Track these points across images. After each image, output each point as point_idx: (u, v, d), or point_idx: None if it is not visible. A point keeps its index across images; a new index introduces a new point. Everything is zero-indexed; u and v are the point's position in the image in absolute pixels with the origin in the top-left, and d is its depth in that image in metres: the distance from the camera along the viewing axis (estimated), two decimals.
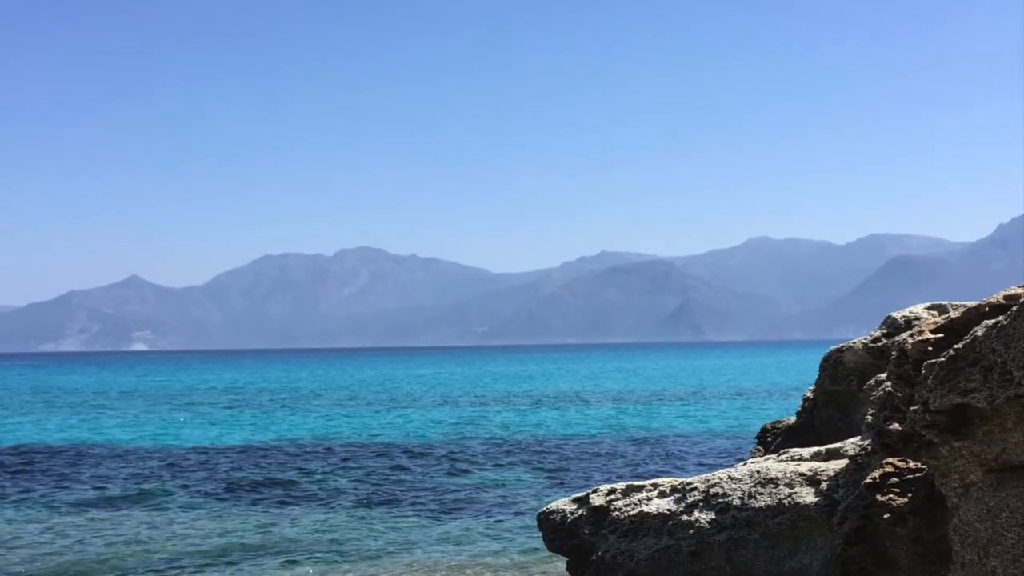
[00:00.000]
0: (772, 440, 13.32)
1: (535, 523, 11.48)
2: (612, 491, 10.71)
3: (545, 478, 29.35)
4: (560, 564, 12.54)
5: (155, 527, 22.08)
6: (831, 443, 10.34)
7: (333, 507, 24.54)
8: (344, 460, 34.42)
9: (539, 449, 37.16)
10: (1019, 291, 7.04)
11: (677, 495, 10.14)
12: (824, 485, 9.26)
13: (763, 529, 9.34)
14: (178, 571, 17.25)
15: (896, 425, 8.10)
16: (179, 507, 24.87)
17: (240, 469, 32.42)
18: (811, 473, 9.47)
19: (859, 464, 9.00)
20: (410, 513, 23.49)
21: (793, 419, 13.28)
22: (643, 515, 10.12)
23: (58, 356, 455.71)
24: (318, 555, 18.63)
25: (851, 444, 9.71)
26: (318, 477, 29.95)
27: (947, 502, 7.08)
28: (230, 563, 18.14)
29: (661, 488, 10.42)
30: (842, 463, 9.40)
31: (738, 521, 9.47)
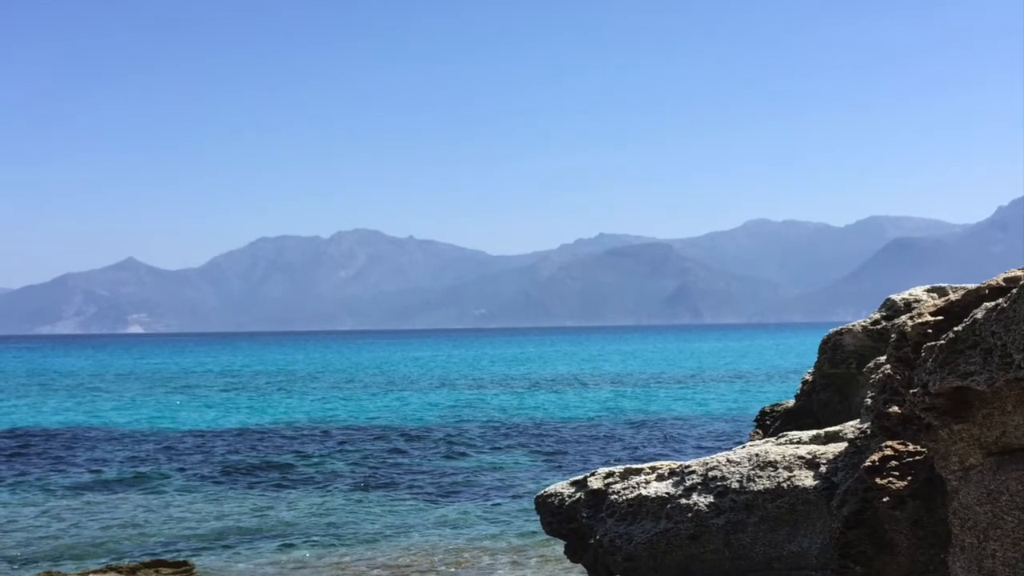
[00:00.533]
0: (771, 423, 13.28)
1: (533, 506, 11.44)
2: (610, 474, 10.66)
3: (543, 461, 29.35)
4: (558, 547, 12.51)
5: (151, 510, 22.06)
6: (830, 426, 10.29)
7: (330, 490, 24.52)
8: (341, 443, 34.42)
9: (537, 432, 37.17)
10: (1019, 273, 6.98)
11: (675, 478, 10.09)
12: (823, 468, 9.21)
13: (762, 512, 9.29)
14: (174, 554, 17.20)
15: (895, 408, 8.05)
16: (175, 490, 24.86)
17: (237, 452, 32.41)
18: (810, 456, 9.43)
19: (858, 447, 8.95)
20: (407, 496, 23.47)
21: (792, 402, 13.23)
22: (641, 498, 10.07)
23: (54, 339, 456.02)
24: (315, 538, 18.61)
25: (850, 427, 9.66)
26: (315, 460, 29.94)
27: (947, 485, 7.03)
28: (226, 546, 18.11)
29: (659, 471, 10.37)
30: (841, 446, 9.35)
31: (737, 504, 9.43)
